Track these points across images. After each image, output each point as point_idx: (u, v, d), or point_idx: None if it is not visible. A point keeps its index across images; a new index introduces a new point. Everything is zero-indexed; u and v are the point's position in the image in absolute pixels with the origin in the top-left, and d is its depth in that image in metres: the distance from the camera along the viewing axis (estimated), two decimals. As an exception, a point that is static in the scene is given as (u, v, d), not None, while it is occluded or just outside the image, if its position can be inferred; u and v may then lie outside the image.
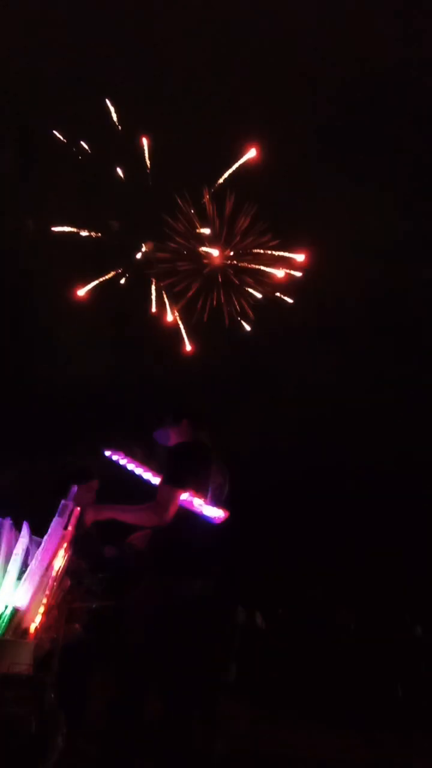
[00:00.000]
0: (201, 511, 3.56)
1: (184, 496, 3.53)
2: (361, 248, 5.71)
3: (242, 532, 3.98)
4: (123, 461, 4.05)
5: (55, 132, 5.10)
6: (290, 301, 7.64)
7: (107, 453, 4.07)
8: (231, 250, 7.54)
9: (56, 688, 2.95)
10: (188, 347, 7.67)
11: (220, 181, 6.40)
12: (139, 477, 4.01)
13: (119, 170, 5.65)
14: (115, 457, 4.07)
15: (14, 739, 2.69)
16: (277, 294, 7.74)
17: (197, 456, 3.75)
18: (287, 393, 7.26)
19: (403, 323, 6.54)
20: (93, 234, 6.13)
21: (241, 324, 7.98)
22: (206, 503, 3.57)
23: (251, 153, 6.76)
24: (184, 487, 3.54)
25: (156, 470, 3.92)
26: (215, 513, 3.58)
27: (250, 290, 8.04)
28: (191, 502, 3.55)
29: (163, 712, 3.39)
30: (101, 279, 6.94)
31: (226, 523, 3.66)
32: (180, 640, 3.45)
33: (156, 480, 3.83)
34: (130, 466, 4.04)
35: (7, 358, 6.92)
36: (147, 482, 3.96)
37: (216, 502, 3.69)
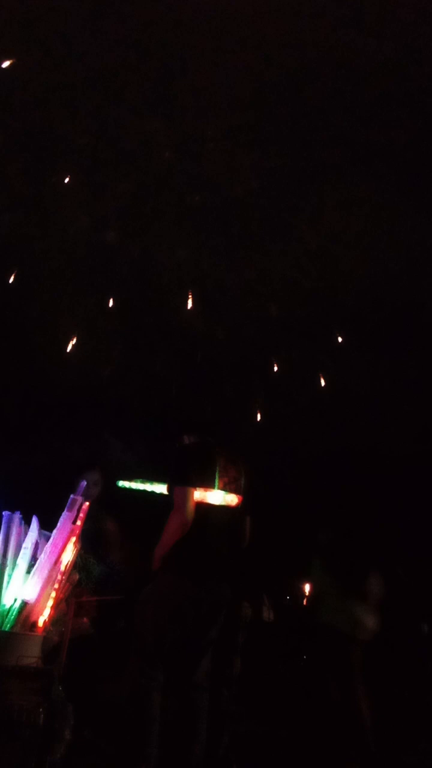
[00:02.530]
0: (215, 502, 3.61)
1: (198, 495, 3.57)
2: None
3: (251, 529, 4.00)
4: (135, 486, 4.12)
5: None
6: None
7: (121, 484, 4.16)
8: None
9: (64, 681, 2.98)
10: None
11: None
12: (153, 492, 4.08)
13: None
14: (128, 485, 4.15)
15: (23, 732, 2.71)
16: None
17: (196, 451, 3.81)
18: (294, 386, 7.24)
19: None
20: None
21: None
22: (217, 491, 3.63)
23: None
24: (192, 483, 3.58)
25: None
26: (228, 499, 3.63)
27: None
28: (205, 496, 3.60)
29: (171, 706, 3.42)
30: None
31: (242, 518, 3.73)
32: (188, 636, 3.49)
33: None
34: (143, 486, 4.10)
35: (12, 353, 6.93)
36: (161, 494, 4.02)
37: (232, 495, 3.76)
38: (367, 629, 4.74)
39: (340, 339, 6.57)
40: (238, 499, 3.73)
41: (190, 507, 3.51)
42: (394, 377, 7.18)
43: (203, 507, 3.60)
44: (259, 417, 7.52)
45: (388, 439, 8.14)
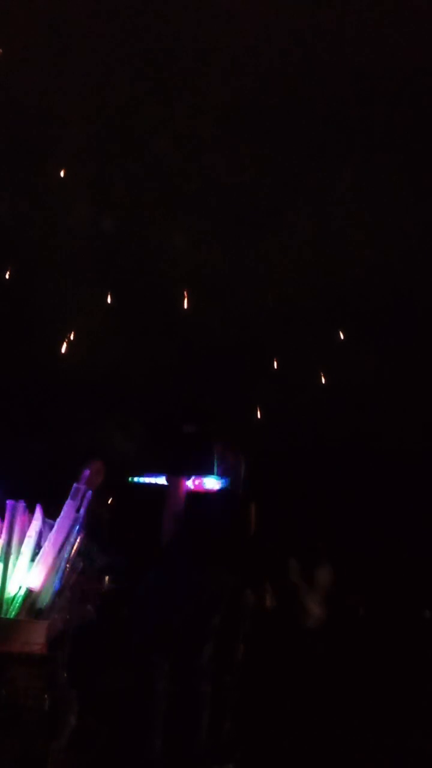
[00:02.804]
0: (211, 488, 3.65)
1: (191, 484, 3.62)
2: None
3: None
4: (147, 480, 4.16)
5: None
6: None
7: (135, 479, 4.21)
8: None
9: (68, 668, 3.00)
10: None
11: None
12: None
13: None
14: (141, 480, 4.19)
15: (28, 717, 2.74)
16: None
17: (191, 441, 3.85)
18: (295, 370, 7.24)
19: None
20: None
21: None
22: (211, 478, 3.69)
23: None
24: (183, 473, 3.65)
25: None
26: (211, 484, 3.69)
27: None
28: (200, 483, 3.65)
29: (174, 693, 3.44)
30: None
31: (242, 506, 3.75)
32: (191, 623, 3.51)
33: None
34: (154, 480, 4.13)
35: (17, 344, 6.94)
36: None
37: (231, 481, 3.79)
38: (312, 617, 4.85)
39: (342, 335, 6.58)
40: (231, 481, 3.77)
41: (180, 497, 3.58)
42: (395, 367, 7.18)
43: (200, 495, 3.65)
44: (259, 405, 7.53)
45: (391, 428, 8.14)
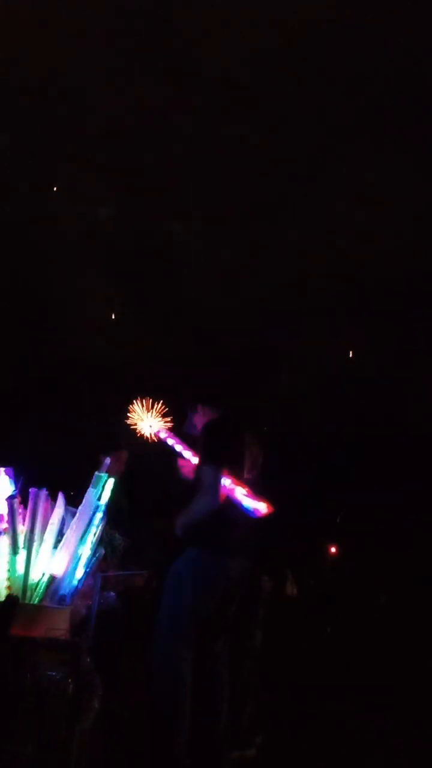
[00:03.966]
0: (241, 502, 3.53)
1: (227, 482, 3.52)
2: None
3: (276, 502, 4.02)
4: (172, 442, 4.05)
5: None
6: None
7: (162, 435, 4.08)
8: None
9: (92, 653, 3.03)
10: None
11: None
12: (181, 455, 4.01)
13: None
14: (169, 440, 4.08)
15: (51, 702, 2.78)
16: None
17: (225, 430, 3.75)
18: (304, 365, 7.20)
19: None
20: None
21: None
22: (248, 495, 3.53)
23: None
24: (222, 464, 3.51)
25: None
26: (256, 505, 3.51)
27: None
28: (233, 490, 3.53)
29: (195, 679, 3.47)
30: None
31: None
32: (217, 612, 3.53)
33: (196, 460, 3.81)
34: (178, 447, 4.03)
35: (39, 335, 6.98)
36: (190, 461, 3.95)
37: (255, 472, 3.75)
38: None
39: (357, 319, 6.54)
40: (269, 509, 3.60)
41: (219, 488, 3.47)
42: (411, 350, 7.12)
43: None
44: (273, 393, 7.51)
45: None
